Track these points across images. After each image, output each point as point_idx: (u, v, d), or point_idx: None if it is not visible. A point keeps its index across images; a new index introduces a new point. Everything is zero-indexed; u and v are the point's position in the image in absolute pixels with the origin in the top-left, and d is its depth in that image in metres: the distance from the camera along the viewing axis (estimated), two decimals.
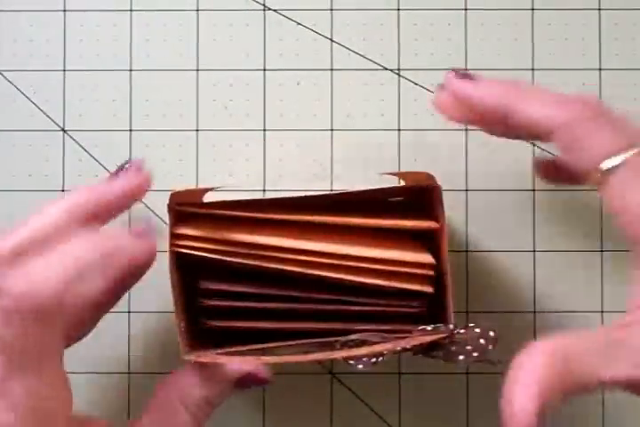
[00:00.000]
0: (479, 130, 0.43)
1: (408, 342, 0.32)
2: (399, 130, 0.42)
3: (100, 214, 0.32)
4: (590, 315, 0.41)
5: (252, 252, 0.33)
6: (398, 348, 0.32)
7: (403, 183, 0.37)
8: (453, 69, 0.33)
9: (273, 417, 0.42)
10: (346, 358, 0.32)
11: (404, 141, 0.42)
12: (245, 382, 0.33)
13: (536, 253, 0.41)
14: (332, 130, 0.42)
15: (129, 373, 0.41)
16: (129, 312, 0.41)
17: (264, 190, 0.42)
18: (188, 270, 0.35)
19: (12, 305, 0.28)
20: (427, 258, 0.34)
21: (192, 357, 0.32)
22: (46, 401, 0.29)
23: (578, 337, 0.28)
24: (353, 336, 0.33)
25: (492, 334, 0.33)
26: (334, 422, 0.42)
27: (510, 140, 0.42)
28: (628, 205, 0.28)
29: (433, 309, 0.35)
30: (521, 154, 0.42)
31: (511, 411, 0.26)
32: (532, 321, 0.41)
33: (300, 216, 0.33)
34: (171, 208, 0.34)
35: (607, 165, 0.29)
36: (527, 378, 0.26)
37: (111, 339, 0.41)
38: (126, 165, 0.34)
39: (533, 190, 0.42)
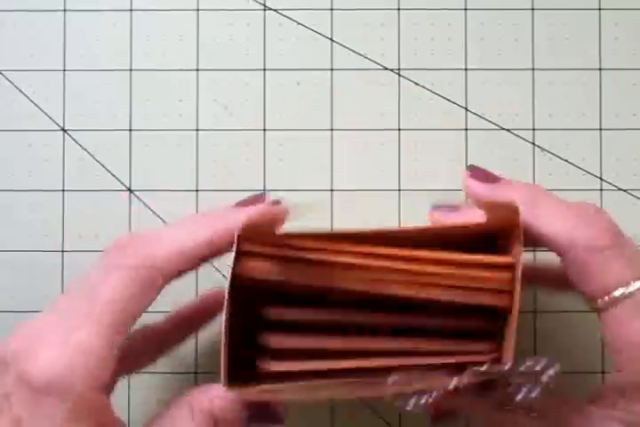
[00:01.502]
0: (479, 130, 0.43)
1: (459, 381, 0.30)
2: (399, 130, 0.42)
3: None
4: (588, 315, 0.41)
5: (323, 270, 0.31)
6: (450, 386, 0.30)
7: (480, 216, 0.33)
8: (471, 169, 0.33)
9: None
10: (394, 396, 0.30)
11: (405, 141, 0.42)
12: (256, 412, 0.32)
13: (536, 252, 0.41)
14: (331, 130, 0.42)
15: None
16: None
17: (264, 190, 0.42)
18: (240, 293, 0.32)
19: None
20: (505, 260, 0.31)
21: (235, 393, 0.30)
22: None
23: None
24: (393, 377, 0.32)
25: (551, 372, 0.31)
26: (334, 422, 0.42)
27: (510, 140, 0.42)
28: (620, 336, 0.30)
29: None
30: (521, 154, 0.42)
31: None
32: (533, 321, 0.41)
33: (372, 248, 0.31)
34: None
35: (612, 295, 0.30)
36: None
37: None
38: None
39: None
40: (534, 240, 0.31)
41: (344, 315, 0.31)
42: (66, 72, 0.42)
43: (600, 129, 0.42)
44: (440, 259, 0.31)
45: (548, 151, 0.42)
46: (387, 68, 0.42)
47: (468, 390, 0.30)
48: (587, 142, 0.42)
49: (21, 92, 0.42)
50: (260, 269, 0.30)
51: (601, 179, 0.42)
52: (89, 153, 0.42)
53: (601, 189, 0.42)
